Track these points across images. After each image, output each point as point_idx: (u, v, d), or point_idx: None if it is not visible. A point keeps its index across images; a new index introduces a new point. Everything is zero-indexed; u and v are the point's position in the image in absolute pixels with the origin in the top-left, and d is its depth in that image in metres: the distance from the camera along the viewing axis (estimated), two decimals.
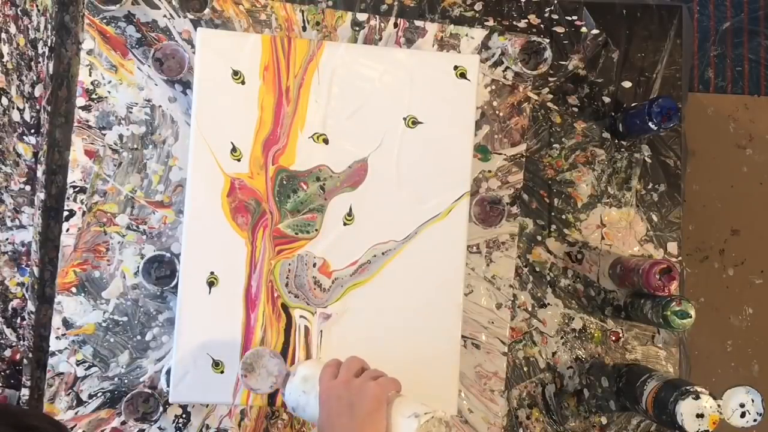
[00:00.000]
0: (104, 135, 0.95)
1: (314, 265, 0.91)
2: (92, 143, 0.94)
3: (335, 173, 0.91)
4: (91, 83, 0.95)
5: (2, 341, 0.96)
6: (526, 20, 1.03)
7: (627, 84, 1.05)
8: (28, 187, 0.97)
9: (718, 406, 0.85)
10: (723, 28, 1.75)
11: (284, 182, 0.90)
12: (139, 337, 0.93)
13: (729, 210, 1.68)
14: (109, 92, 0.95)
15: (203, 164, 0.89)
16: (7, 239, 0.96)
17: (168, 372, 0.92)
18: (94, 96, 0.95)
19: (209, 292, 0.89)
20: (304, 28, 0.98)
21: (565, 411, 0.99)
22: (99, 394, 0.93)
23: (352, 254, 0.91)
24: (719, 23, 1.75)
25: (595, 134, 1.04)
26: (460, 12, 1.02)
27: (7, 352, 0.96)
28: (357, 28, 0.99)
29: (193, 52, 0.92)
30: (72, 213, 0.93)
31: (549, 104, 1.03)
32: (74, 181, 0.94)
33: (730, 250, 1.68)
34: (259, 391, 0.87)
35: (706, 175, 1.67)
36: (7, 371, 0.95)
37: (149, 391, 0.92)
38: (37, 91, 0.97)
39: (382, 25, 1.00)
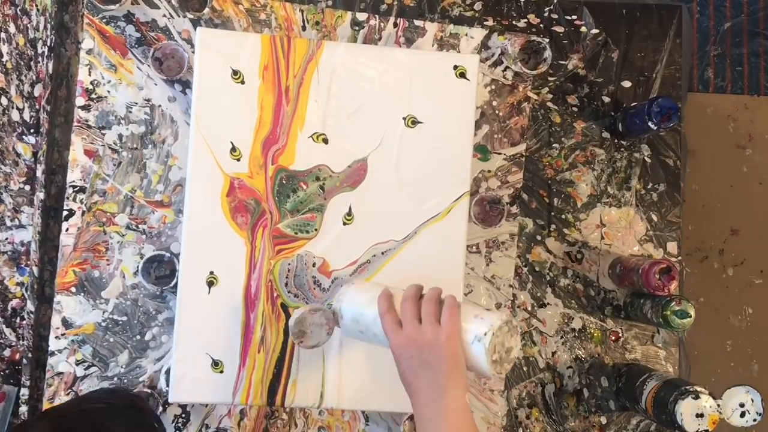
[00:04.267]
0: (104, 134, 0.94)
1: (314, 264, 0.90)
2: (92, 143, 0.94)
3: (335, 173, 0.91)
4: (91, 83, 0.95)
5: (2, 341, 0.96)
6: (526, 20, 1.03)
7: (627, 84, 1.05)
8: (27, 187, 0.97)
9: (718, 405, 0.85)
10: (723, 28, 1.75)
11: (284, 182, 0.90)
12: (138, 337, 0.93)
13: (728, 210, 1.68)
14: (108, 92, 0.95)
15: (203, 164, 0.89)
16: (6, 239, 0.96)
17: (168, 372, 0.92)
18: (93, 95, 0.95)
19: (209, 292, 0.89)
20: (304, 28, 0.98)
21: (564, 411, 0.99)
22: None
23: (351, 254, 0.91)
24: (719, 23, 1.75)
25: (595, 134, 1.04)
26: (459, 12, 1.02)
27: (7, 352, 0.96)
28: (356, 28, 0.99)
29: (193, 52, 0.92)
30: (71, 212, 0.93)
31: (549, 104, 1.03)
32: (74, 181, 0.94)
33: (730, 250, 1.68)
34: (321, 343, 0.83)
35: (706, 175, 1.67)
36: (7, 371, 0.95)
37: (149, 390, 0.92)
38: (37, 91, 0.97)
39: (382, 24, 1.00)
